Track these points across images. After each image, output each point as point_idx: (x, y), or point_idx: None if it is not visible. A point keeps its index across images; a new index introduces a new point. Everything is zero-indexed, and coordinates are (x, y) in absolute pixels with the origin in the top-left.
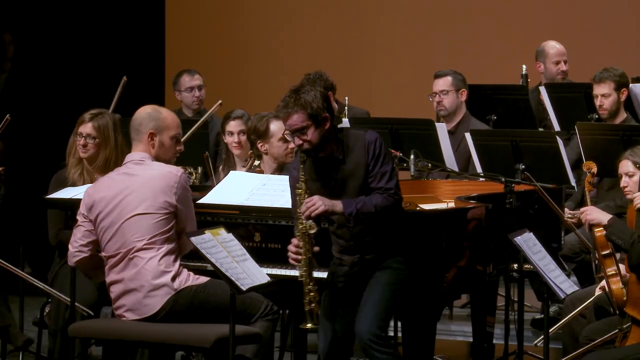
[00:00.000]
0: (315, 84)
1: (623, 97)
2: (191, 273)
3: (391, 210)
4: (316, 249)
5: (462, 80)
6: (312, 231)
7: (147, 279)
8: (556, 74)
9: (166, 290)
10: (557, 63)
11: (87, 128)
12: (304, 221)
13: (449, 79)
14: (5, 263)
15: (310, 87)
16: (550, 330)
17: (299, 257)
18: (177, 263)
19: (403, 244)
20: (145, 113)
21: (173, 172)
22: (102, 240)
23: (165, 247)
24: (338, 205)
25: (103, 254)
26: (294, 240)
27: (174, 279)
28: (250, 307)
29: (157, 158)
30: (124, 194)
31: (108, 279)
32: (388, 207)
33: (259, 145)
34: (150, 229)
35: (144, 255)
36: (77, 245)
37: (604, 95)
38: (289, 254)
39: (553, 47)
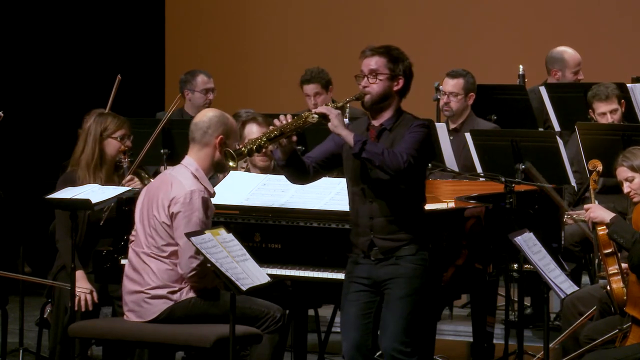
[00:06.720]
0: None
1: (623, 108)
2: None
3: (393, 170)
4: (294, 138)
5: (473, 83)
6: (311, 120)
7: (147, 287)
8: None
9: (164, 301)
10: (577, 72)
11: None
12: (312, 112)
13: (461, 81)
14: (3, 272)
15: (402, 51)
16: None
17: (281, 123)
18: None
19: (417, 240)
20: (214, 117)
21: (180, 190)
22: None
23: (172, 260)
24: (347, 132)
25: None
26: (289, 116)
27: (174, 292)
28: (250, 322)
29: (217, 163)
30: (153, 194)
31: (124, 272)
32: (392, 164)
33: None
34: (162, 237)
35: (150, 263)
36: (133, 233)
37: (613, 111)
38: (277, 119)
39: (573, 55)
